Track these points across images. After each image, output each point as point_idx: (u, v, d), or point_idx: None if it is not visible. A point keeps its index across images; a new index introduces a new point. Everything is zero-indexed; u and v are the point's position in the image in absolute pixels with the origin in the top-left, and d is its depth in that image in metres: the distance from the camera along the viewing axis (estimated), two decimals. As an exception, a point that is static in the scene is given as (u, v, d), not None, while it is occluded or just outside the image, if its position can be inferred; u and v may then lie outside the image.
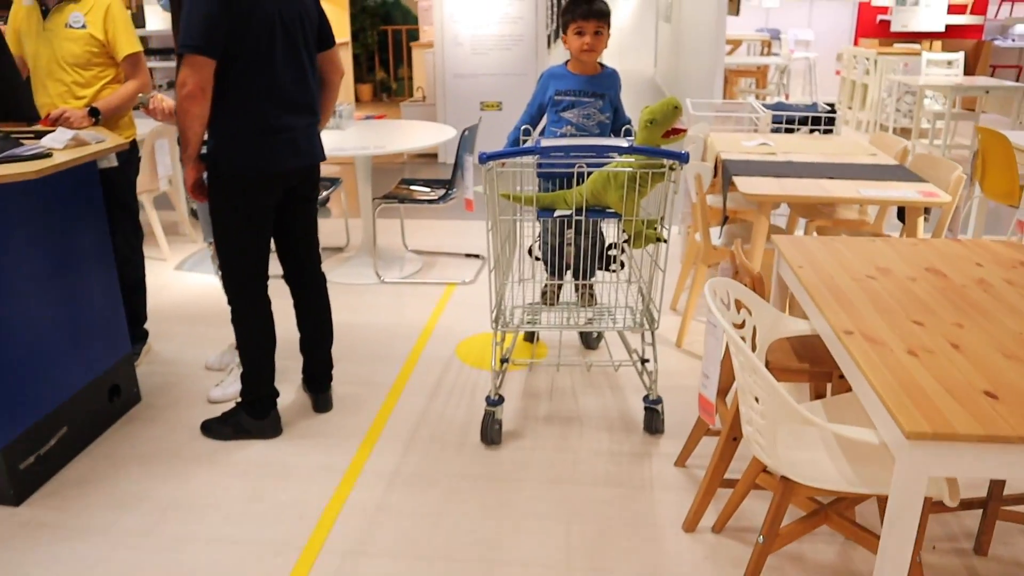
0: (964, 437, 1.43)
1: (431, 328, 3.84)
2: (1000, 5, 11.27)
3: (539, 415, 3.02)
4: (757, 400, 1.75)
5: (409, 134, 4.52)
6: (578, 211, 2.61)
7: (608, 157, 2.50)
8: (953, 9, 10.54)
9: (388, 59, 12.19)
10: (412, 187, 4.60)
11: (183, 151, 2.58)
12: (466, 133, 4.14)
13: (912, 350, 1.74)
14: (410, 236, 5.19)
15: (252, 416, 2.89)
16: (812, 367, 2.27)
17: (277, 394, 2.92)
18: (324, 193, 4.53)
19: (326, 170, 6.83)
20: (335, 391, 3.21)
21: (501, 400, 2.80)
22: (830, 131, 4.44)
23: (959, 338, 1.81)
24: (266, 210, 2.71)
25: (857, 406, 2.07)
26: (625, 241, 2.67)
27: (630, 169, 2.50)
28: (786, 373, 2.27)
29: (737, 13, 8.43)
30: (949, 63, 8.39)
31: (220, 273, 2.79)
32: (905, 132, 8.76)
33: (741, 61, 9.37)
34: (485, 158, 2.42)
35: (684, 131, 2.50)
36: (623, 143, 2.40)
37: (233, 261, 2.74)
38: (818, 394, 2.60)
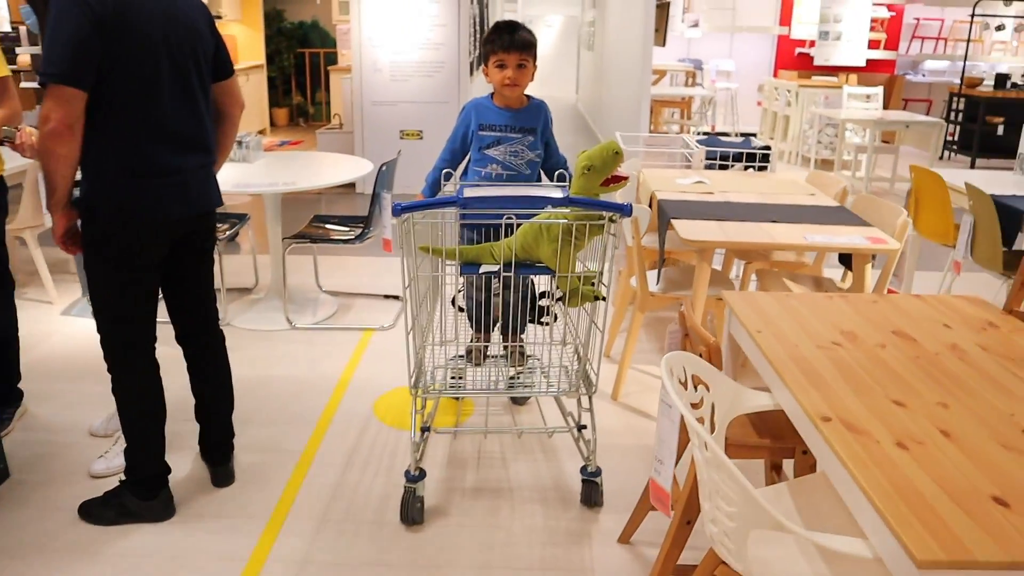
0: (985, 565, 1.19)
1: (347, 381, 3.50)
2: (911, 41, 11.60)
3: (466, 486, 2.71)
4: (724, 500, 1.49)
5: (323, 168, 4.17)
6: (507, 266, 2.33)
7: (539, 207, 2.23)
8: (868, 44, 10.77)
9: (305, 83, 11.77)
10: (326, 225, 4.26)
11: (49, 197, 2.20)
12: (384, 168, 3.83)
13: (901, 441, 1.51)
14: (324, 275, 4.82)
15: (138, 497, 2.49)
16: (773, 443, 2.03)
17: (168, 471, 2.53)
18: (230, 231, 4.14)
19: (232, 203, 6.40)
20: (238, 460, 2.83)
21: (422, 475, 2.48)
22: (764, 168, 4.29)
23: (947, 423, 1.58)
24: (151, 265, 2.34)
25: (827, 489, 1.83)
26: (559, 299, 2.40)
27: (565, 221, 2.24)
28: (745, 450, 2.03)
29: (663, 44, 8.36)
30: (868, 97, 8.50)
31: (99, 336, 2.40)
32: (827, 164, 8.83)
33: (667, 92, 9.32)
34: (399, 210, 2.11)
35: (625, 179, 2.25)
36: (557, 193, 2.13)
37: (112, 323, 2.36)
38: (774, 465, 2.37)
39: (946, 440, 1.52)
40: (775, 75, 11.31)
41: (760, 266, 3.77)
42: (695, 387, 1.81)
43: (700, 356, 1.91)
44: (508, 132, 2.87)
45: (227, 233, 4.10)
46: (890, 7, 11.05)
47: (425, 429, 2.68)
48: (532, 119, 2.91)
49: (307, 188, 3.72)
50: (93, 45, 2.07)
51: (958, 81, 11.13)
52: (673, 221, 3.08)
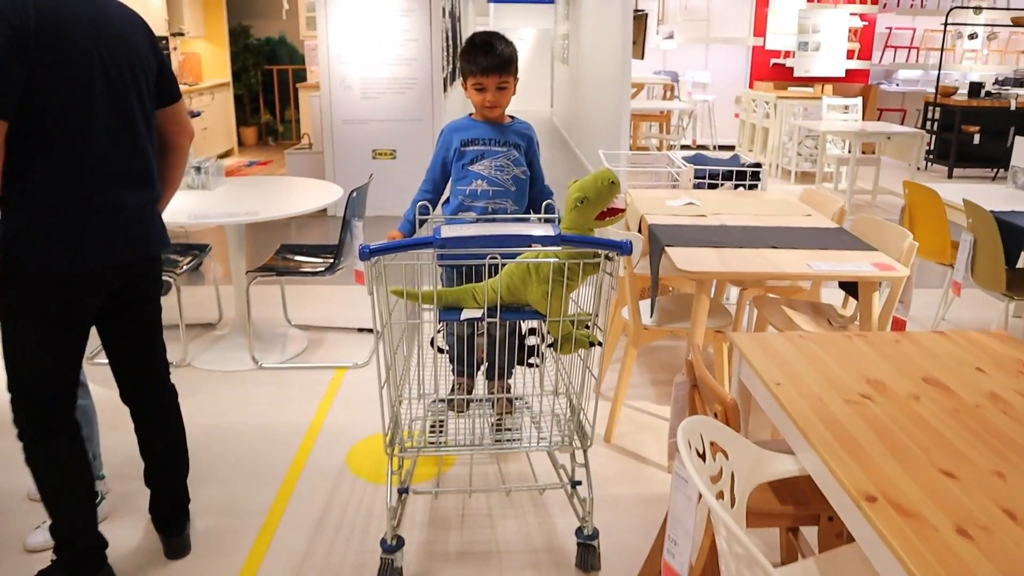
0: None
1: (317, 428, 3.23)
2: (884, 51, 11.55)
3: (449, 550, 2.46)
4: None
5: (289, 194, 3.91)
6: (491, 311, 2.09)
7: (527, 246, 1.99)
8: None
9: (274, 100, 11.48)
10: (294, 256, 4.00)
11: None
12: (354, 195, 3.58)
13: (961, 527, 1.28)
14: (293, 307, 4.54)
15: None
16: (797, 510, 1.81)
17: (104, 544, 2.23)
18: (190, 263, 3.87)
19: (193, 231, 6.10)
20: (194, 526, 2.54)
21: (400, 543, 2.23)
22: (755, 186, 4.09)
23: (1009, 500, 1.37)
24: (81, 319, 2.06)
25: (863, 568, 1.61)
26: (550, 345, 2.17)
27: (556, 260, 2.00)
28: (766, 518, 1.80)
29: (642, 57, 8.19)
30: (846, 108, 8.38)
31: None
32: (807, 176, 8.69)
33: (645, 106, 9.15)
34: (367, 253, 1.87)
35: (622, 211, 2.03)
36: (548, 230, 1.90)
37: (27, 385, 2.05)
38: (791, 527, 2.15)
39: (1012, 523, 1.30)
40: (751, 86, 11.20)
41: (756, 292, 3.57)
42: (713, 455, 1.58)
43: (714, 415, 1.69)
44: (492, 145, 2.65)
45: (187, 266, 3.83)
46: (862, 17, 10.99)
47: (403, 491, 2.43)
48: (516, 136, 2.70)
49: (271, 218, 3.46)
50: (14, 67, 1.81)
51: (931, 90, 11.09)
52: (668, 249, 2.86)
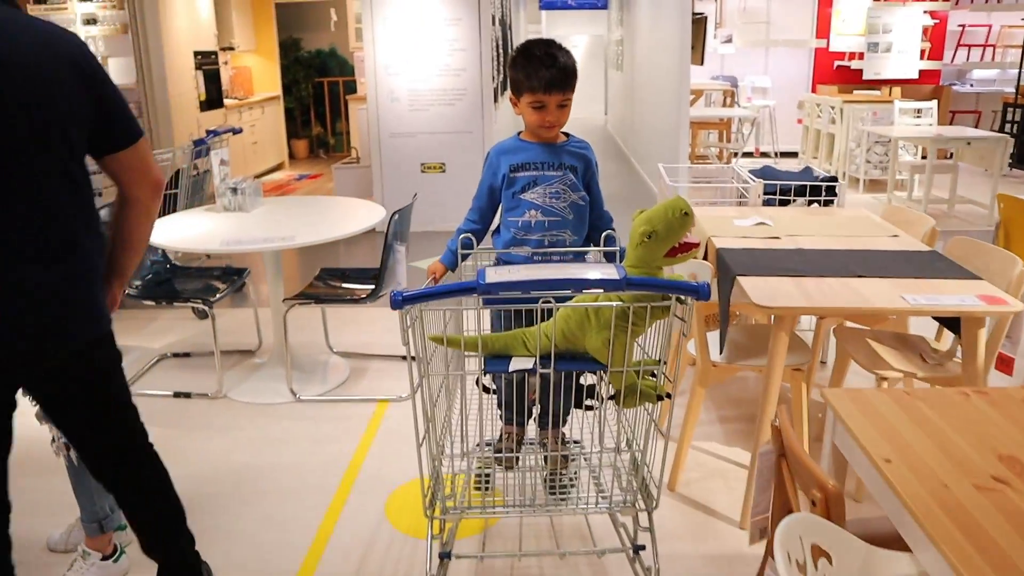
0: None
1: (356, 469, 3.00)
2: (956, 49, 10.98)
3: (496, 622, 2.20)
4: None
5: (329, 215, 3.71)
6: (544, 359, 1.82)
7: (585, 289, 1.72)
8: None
9: (325, 112, 11.41)
10: (334, 281, 3.79)
11: None
12: (396, 217, 3.35)
13: None
14: (335, 332, 4.32)
15: None
16: (912, 613, 1.50)
17: None
18: (227, 289, 3.68)
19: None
20: (214, 585, 2.31)
21: (441, 623, 1.97)
22: (830, 202, 3.75)
23: None
24: None
25: None
26: (611, 397, 1.89)
27: (619, 303, 1.73)
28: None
29: (701, 62, 7.85)
30: (919, 111, 7.90)
31: None
32: (876, 184, 8.23)
33: (705, 113, 8.79)
34: (399, 301, 1.62)
35: (696, 246, 1.74)
36: (610, 271, 1.62)
37: None
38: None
39: None
40: (813, 90, 10.73)
41: (835, 320, 3.23)
42: (815, 561, 1.29)
43: (812, 503, 1.39)
44: (545, 170, 2.35)
45: (222, 293, 3.64)
46: (933, 14, 10.45)
47: (444, 555, 2.17)
48: (572, 158, 2.38)
49: (307, 244, 3.25)
50: None
51: (1008, 90, 10.49)
52: (741, 280, 2.56)
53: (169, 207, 4.71)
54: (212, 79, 8.39)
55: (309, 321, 4.46)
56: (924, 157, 7.94)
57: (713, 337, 2.89)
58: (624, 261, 1.82)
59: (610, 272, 1.62)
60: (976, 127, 10.32)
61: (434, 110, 6.45)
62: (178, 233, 3.45)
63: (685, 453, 2.86)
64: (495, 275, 1.59)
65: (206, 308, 3.53)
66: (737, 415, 3.40)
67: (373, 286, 3.49)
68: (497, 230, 2.44)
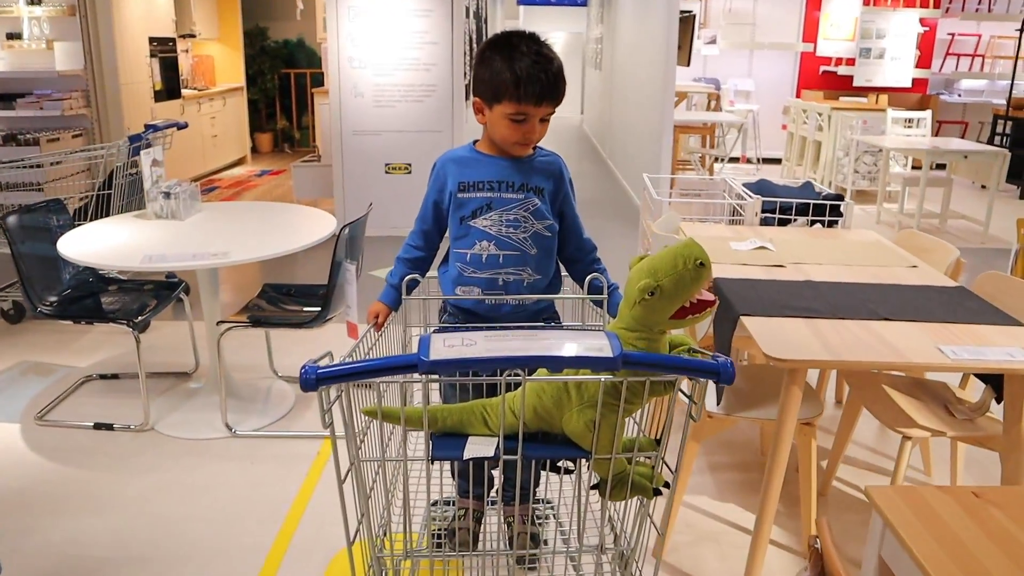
0: None
1: (294, 524, 2.58)
2: (945, 58, 10.72)
3: None
4: None
5: (273, 227, 3.27)
6: (509, 439, 1.41)
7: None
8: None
9: (291, 105, 10.90)
10: (277, 300, 3.35)
11: None
12: (346, 231, 2.92)
13: None
14: (280, 354, 3.86)
15: None
16: None
17: None
18: (152, 309, 3.23)
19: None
20: None
21: None
22: (835, 223, 3.38)
23: None
24: None
25: None
26: (595, 487, 1.49)
27: (609, 377, 1.32)
28: None
29: (688, 63, 7.48)
30: (908, 122, 7.59)
31: None
32: (865, 195, 7.92)
33: (689, 117, 8.41)
34: (312, 381, 1.21)
35: (712, 303, 1.34)
36: (600, 342, 1.20)
37: None
38: None
39: None
40: (797, 95, 10.43)
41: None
42: None
43: None
44: (502, 192, 1.89)
45: (149, 312, 3.20)
46: (923, 21, 10.18)
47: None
48: (539, 176, 1.93)
49: (241, 261, 2.81)
50: None
51: (996, 101, 10.25)
52: (745, 321, 2.17)
53: (102, 210, 4.24)
54: (169, 67, 7.88)
55: (252, 339, 4.01)
56: (915, 168, 7.64)
57: (710, 385, 2.50)
58: (617, 321, 1.41)
59: (601, 344, 1.21)
60: (963, 138, 10.07)
61: (401, 107, 6.01)
62: (97, 243, 2.99)
63: (675, 516, 2.48)
64: (442, 346, 1.18)
65: (131, 331, 3.08)
66: (731, 463, 3.01)
67: (320, 308, 3.06)
68: (446, 259, 2.00)
